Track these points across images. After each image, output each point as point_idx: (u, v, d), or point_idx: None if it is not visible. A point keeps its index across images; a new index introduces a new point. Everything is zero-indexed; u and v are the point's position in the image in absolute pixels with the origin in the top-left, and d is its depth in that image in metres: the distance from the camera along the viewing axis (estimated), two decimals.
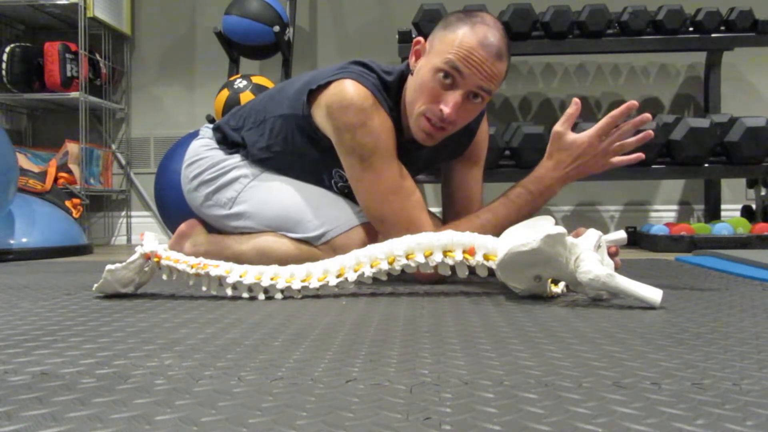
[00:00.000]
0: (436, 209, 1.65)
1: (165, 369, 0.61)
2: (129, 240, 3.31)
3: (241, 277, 1.07)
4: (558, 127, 1.23)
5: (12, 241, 2.20)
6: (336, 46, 3.22)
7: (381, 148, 1.26)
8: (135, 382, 0.56)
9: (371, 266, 1.07)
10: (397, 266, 1.07)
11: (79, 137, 2.90)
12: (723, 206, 2.96)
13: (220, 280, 1.08)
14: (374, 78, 1.30)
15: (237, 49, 2.83)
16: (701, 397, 0.51)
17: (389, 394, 0.52)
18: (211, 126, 1.59)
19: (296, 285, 1.08)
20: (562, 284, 1.11)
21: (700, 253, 2.03)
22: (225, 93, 2.63)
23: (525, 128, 2.50)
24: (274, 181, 1.45)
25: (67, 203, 2.69)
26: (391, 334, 0.78)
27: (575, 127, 1.25)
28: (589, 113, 3.06)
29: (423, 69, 1.25)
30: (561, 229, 0.96)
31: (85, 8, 2.87)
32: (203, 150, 1.53)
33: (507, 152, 2.54)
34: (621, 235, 1.15)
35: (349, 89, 1.26)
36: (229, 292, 1.08)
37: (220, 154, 1.50)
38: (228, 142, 1.51)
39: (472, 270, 1.08)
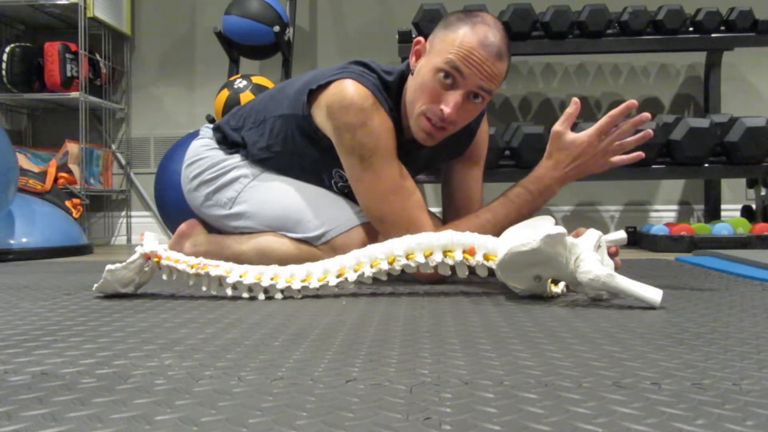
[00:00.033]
0: (436, 209, 1.65)
1: (165, 369, 0.61)
2: (129, 240, 3.31)
3: (241, 277, 1.07)
4: (557, 126, 1.23)
5: (12, 241, 2.20)
6: (336, 46, 3.22)
7: (381, 148, 1.26)
8: (135, 382, 0.56)
9: (371, 266, 1.07)
10: (397, 266, 1.07)
11: (79, 137, 2.90)
12: (723, 206, 2.96)
13: (220, 280, 1.08)
14: (374, 78, 1.30)
15: (237, 49, 2.83)
16: (701, 397, 0.51)
17: (389, 394, 0.52)
18: (211, 126, 1.59)
19: (296, 285, 1.08)
20: (562, 284, 1.11)
21: (700, 253, 2.03)
22: (225, 93, 2.63)
23: (525, 128, 2.50)
24: (274, 181, 1.45)
25: (67, 203, 2.69)
26: (391, 334, 0.78)
27: (575, 127, 1.25)
28: (589, 113, 3.06)
29: (423, 69, 1.25)
30: (561, 229, 0.96)
31: (85, 8, 2.87)
32: (203, 150, 1.53)
33: (507, 152, 2.54)
34: (621, 235, 1.15)
35: (350, 89, 1.26)
36: (229, 292, 1.08)
37: (220, 154, 1.50)
38: (228, 142, 1.51)
39: (472, 270, 1.08)
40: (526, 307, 0.98)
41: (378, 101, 1.26)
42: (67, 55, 2.90)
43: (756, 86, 3.09)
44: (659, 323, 0.84)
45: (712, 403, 0.49)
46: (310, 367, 0.62)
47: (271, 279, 1.08)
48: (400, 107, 1.33)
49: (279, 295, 1.08)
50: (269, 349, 0.69)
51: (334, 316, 0.91)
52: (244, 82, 2.63)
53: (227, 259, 1.28)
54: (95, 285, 1.11)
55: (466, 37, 1.21)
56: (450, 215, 1.49)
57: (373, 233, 1.34)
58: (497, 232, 1.16)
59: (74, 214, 2.68)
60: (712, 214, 2.91)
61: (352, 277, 1.08)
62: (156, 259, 1.09)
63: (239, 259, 1.32)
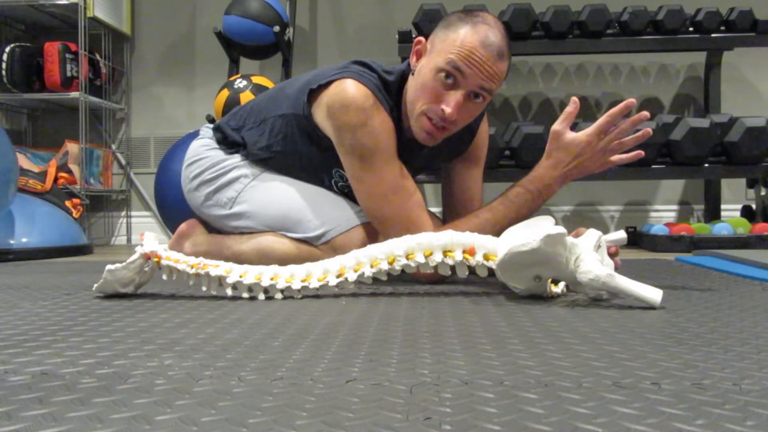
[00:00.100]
0: (436, 209, 1.65)
1: (165, 369, 0.61)
2: (129, 240, 3.31)
3: (241, 277, 1.07)
4: (556, 126, 1.22)
5: (12, 241, 2.20)
6: (336, 46, 3.22)
7: (381, 148, 1.26)
8: (135, 382, 0.56)
9: (371, 266, 1.07)
10: (397, 266, 1.07)
11: (79, 137, 2.90)
12: (723, 206, 2.96)
13: (220, 280, 1.08)
14: (375, 78, 1.30)
15: (237, 49, 2.83)
16: (701, 397, 0.51)
17: (389, 394, 0.52)
18: (211, 126, 1.59)
19: (296, 285, 1.08)
20: (562, 284, 1.11)
21: (700, 253, 2.03)
22: (225, 93, 2.63)
23: (525, 128, 2.50)
24: (274, 181, 1.45)
25: (67, 203, 2.69)
26: (391, 334, 0.78)
27: (574, 127, 1.25)
28: (588, 113, 3.06)
29: (424, 69, 1.25)
30: (561, 229, 0.96)
31: (85, 8, 2.87)
32: (203, 150, 1.53)
33: (507, 152, 2.54)
34: (621, 235, 1.15)
35: (350, 89, 1.26)
36: (229, 292, 1.08)
37: (220, 154, 1.50)
38: (228, 142, 1.51)
39: (472, 270, 1.08)
40: (526, 307, 0.98)
41: (378, 101, 1.26)
42: (67, 55, 2.89)
43: (756, 86, 3.09)
44: (659, 323, 0.84)
45: (712, 403, 0.49)
46: (310, 367, 0.62)
47: (271, 279, 1.08)
48: (400, 107, 1.33)
49: (279, 295, 1.08)
50: (269, 349, 0.69)
51: (334, 316, 0.91)
52: (244, 82, 2.63)
53: (227, 259, 1.28)
54: (95, 285, 1.11)
55: (467, 37, 1.21)
56: (450, 215, 1.49)
57: (373, 233, 1.34)
58: (497, 232, 1.15)
59: (74, 214, 2.68)
60: (712, 214, 2.91)
61: (352, 277, 1.08)
62: (156, 259, 1.09)
63: (239, 259, 1.32)
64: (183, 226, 1.54)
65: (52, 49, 2.88)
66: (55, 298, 1.13)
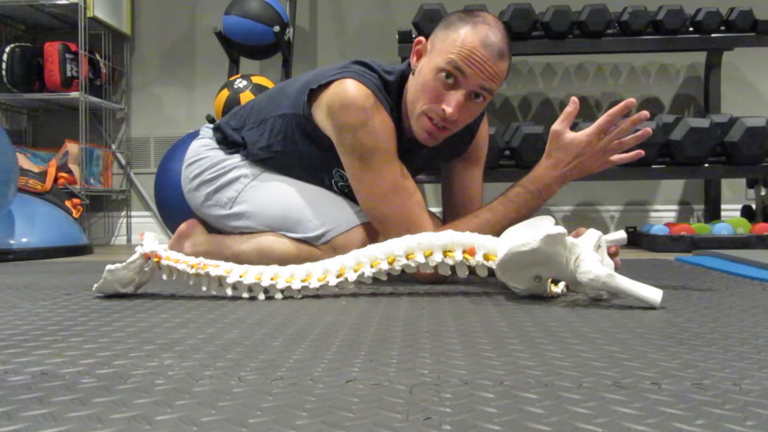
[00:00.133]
0: (436, 209, 1.65)
1: (165, 369, 0.61)
2: (129, 240, 3.31)
3: (241, 277, 1.07)
4: (556, 125, 1.22)
5: (12, 241, 2.20)
6: (336, 46, 3.22)
7: (381, 148, 1.26)
8: (135, 382, 0.56)
9: (371, 266, 1.07)
10: (397, 266, 1.07)
11: (79, 137, 2.90)
12: (723, 206, 2.96)
13: (220, 280, 1.08)
14: (375, 78, 1.30)
15: (237, 49, 2.83)
16: (701, 397, 0.51)
17: (389, 394, 0.52)
18: (211, 126, 1.59)
19: (296, 285, 1.08)
20: (562, 284, 1.11)
21: (700, 253, 2.03)
22: (225, 93, 2.63)
23: (525, 128, 2.50)
24: (274, 181, 1.45)
25: (67, 203, 2.69)
26: (391, 334, 0.78)
27: (574, 126, 1.25)
28: (588, 113, 3.06)
29: (425, 69, 1.25)
30: (561, 229, 0.96)
31: (85, 8, 2.87)
32: (203, 150, 1.53)
33: (507, 152, 2.54)
34: (621, 235, 1.15)
35: (350, 89, 1.26)
36: (229, 292, 1.08)
37: (220, 154, 1.50)
38: (228, 142, 1.51)
39: (472, 270, 1.08)
40: (526, 307, 0.98)
41: (379, 101, 1.26)
42: (67, 55, 2.89)
43: (756, 86, 3.09)
44: (659, 323, 0.84)
45: (712, 403, 0.49)
46: (310, 367, 0.62)
47: (271, 279, 1.08)
48: (400, 107, 1.33)
49: (279, 295, 1.08)
50: (269, 349, 0.69)
51: (334, 316, 0.91)
52: (244, 82, 2.63)
53: (227, 259, 1.28)
54: (95, 285, 1.11)
55: (467, 37, 1.21)
56: (450, 215, 1.49)
57: (373, 233, 1.34)
58: (497, 232, 1.15)
59: (74, 214, 2.68)
60: (712, 214, 2.91)
61: (352, 277, 1.08)
62: (156, 259, 1.09)
63: (239, 259, 1.32)
64: (183, 226, 1.54)
65: (52, 49, 2.88)
66: (55, 298, 1.13)
